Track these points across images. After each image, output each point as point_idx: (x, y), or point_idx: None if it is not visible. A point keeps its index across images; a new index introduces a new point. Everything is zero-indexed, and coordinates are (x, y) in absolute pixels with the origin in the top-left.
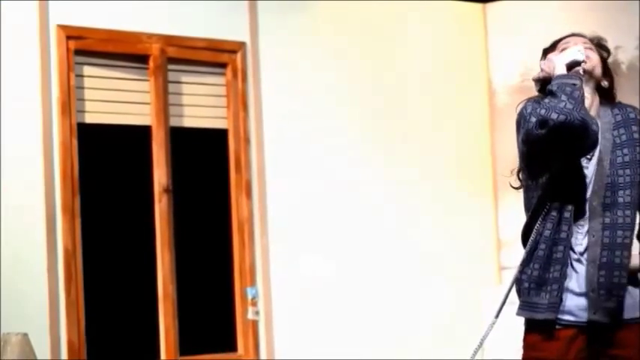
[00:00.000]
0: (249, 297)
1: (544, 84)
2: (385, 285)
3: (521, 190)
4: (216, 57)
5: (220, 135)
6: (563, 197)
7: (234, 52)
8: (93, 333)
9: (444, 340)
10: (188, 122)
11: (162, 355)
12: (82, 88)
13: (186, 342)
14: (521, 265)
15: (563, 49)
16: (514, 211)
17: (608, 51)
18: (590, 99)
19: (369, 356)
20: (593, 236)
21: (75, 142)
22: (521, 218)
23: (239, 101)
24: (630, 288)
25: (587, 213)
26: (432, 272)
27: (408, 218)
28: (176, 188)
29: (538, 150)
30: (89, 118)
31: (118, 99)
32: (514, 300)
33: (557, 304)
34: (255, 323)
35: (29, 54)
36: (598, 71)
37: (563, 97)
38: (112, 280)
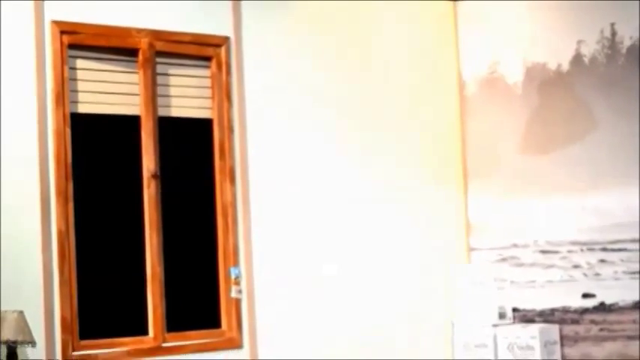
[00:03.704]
0: (233, 276)
1: None
2: (360, 264)
3: (489, 176)
4: (202, 51)
5: (205, 124)
6: None
7: (218, 46)
8: (85, 310)
9: (415, 315)
10: (175, 112)
11: (150, 331)
12: (75, 79)
13: (173, 319)
14: None
15: None
16: (482, 196)
17: None
18: None
19: (346, 332)
20: None
21: (68, 131)
22: (489, 203)
23: (223, 92)
24: None
25: None
26: (406, 252)
27: (383, 202)
28: (164, 174)
29: None
30: (82, 108)
31: (109, 90)
32: None
33: None
34: (238, 301)
35: (25, 48)
36: None
37: None
38: (103, 261)
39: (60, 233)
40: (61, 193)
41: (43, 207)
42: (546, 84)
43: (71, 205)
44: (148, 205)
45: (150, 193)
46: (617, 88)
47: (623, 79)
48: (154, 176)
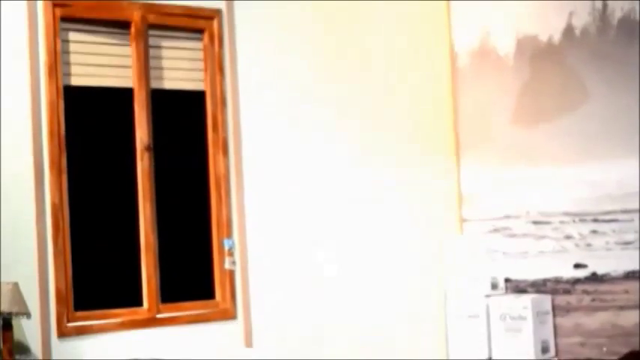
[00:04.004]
0: (226, 248)
1: None
2: (353, 235)
3: (482, 148)
4: (194, 23)
5: (198, 97)
6: None
7: (210, 18)
8: (79, 282)
9: (408, 286)
10: (168, 84)
11: (144, 302)
12: (68, 52)
13: (167, 290)
14: None
15: None
16: (475, 167)
17: None
18: None
19: (339, 301)
20: None
21: (61, 103)
22: (481, 174)
23: (215, 65)
24: None
25: None
26: (398, 224)
27: (377, 174)
28: (157, 146)
29: None
30: (75, 81)
31: (102, 63)
32: None
33: None
34: (231, 273)
35: (18, 21)
36: None
37: None
38: (97, 233)
39: (54, 205)
40: (55, 166)
41: (37, 179)
42: (538, 56)
43: (65, 177)
44: (141, 177)
45: (143, 165)
46: (609, 61)
47: (614, 51)
48: (147, 148)
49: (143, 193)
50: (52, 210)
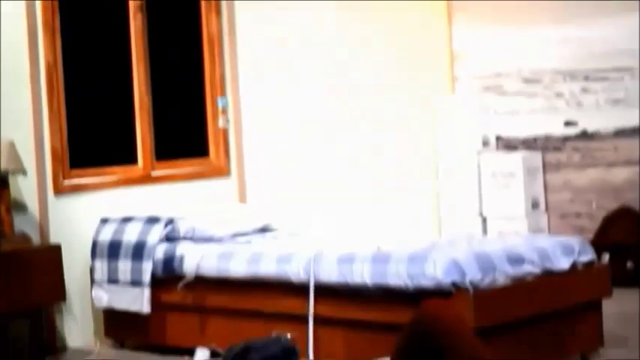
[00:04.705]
0: (220, 106)
1: None
2: (348, 93)
3: (473, 6)
4: None
5: None
6: None
7: None
8: (75, 140)
9: (402, 145)
10: None
11: (139, 160)
12: None
13: (161, 148)
14: None
15: None
16: (466, 25)
17: None
18: None
19: (332, 158)
20: None
21: None
22: (473, 32)
23: None
24: None
25: None
26: (391, 83)
27: (366, 34)
28: (149, 6)
29: None
30: None
31: None
32: None
33: None
34: (225, 131)
35: None
36: None
37: None
38: (92, 92)
39: (48, 65)
40: (48, 26)
41: (31, 40)
42: None
43: (58, 37)
44: (134, 36)
45: (136, 24)
46: None
47: None
48: (140, 8)
49: (136, 52)
50: (46, 70)
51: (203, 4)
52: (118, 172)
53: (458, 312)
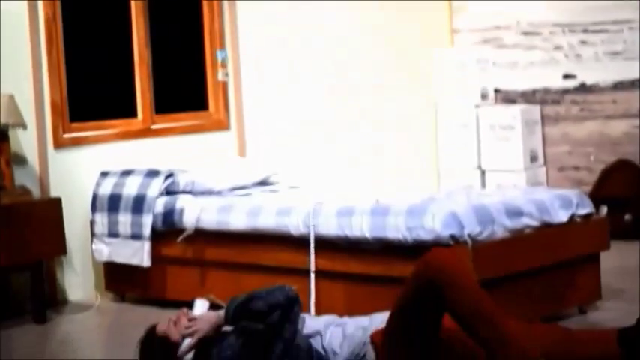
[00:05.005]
0: (219, 59)
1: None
2: (347, 45)
3: None
4: None
5: None
6: None
7: None
8: (74, 94)
9: (401, 96)
10: None
11: (139, 113)
12: None
13: (161, 102)
14: None
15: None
16: None
17: None
18: None
19: (332, 112)
20: None
21: None
22: None
23: None
24: None
25: None
26: (390, 35)
27: None
28: None
29: None
30: None
31: None
32: None
33: None
34: (224, 84)
35: None
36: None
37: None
38: (91, 46)
39: (47, 19)
40: None
41: None
42: None
43: None
44: None
45: None
46: None
47: None
48: None
49: (135, 5)
50: (45, 23)
51: None
52: (118, 125)
53: (463, 261)
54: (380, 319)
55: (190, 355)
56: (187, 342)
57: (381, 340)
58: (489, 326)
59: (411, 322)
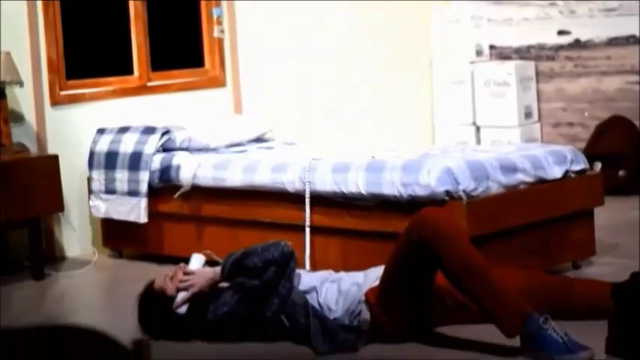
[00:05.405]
0: (215, 16)
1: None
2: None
3: None
4: None
5: None
6: None
7: None
8: (71, 51)
9: (395, 54)
10: None
11: (135, 70)
12: None
13: (157, 58)
14: None
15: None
16: None
17: None
18: None
19: (328, 67)
20: None
21: None
22: None
23: None
24: None
25: None
26: None
27: None
28: None
29: None
30: None
31: None
32: None
33: None
34: (220, 41)
35: None
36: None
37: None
38: (87, 2)
39: None
40: None
41: None
42: None
43: None
44: None
45: None
46: None
47: None
48: None
49: None
50: None
51: None
52: (114, 82)
53: (454, 218)
54: (374, 276)
55: (184, 308)
56: (181, 295)
57: (374, 298)
58: (483, 284)
59: (404, 280)
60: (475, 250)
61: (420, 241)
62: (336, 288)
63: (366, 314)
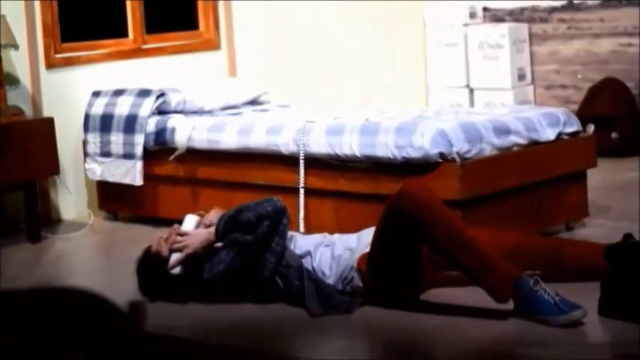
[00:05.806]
0: None
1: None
2: None
3: None
4: None
5: None
6: None
7: None
8: (65, 14)
9: (389, 16)
10: None
11: (130, 33)
12: None
13: (152, 21)
14: None
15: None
16: None
17: None
18: None
19: (322, 31)
20: None
21: None
22: None
23: None
24: None
25: None
26: None
27: None
28: None
29: None
30: None
31: None
32: None
33: None
34: (214, 3)
35: None
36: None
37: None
38: None
39: None
40: None
41: None
42: None
43: None
44: None
45: None
46: None
47: None
48: None
49: None
50: None
51: None
52: (109, 45)
53: (432, 190)
54: (367, 239)
55: (178, 269)
56: (175, 257)
57: (365, 266)
58: (473, 256)
59: (392, 251)
60: (462, 223)
61: (406, 217)
62: (329, 253)
63: (358, 281)
